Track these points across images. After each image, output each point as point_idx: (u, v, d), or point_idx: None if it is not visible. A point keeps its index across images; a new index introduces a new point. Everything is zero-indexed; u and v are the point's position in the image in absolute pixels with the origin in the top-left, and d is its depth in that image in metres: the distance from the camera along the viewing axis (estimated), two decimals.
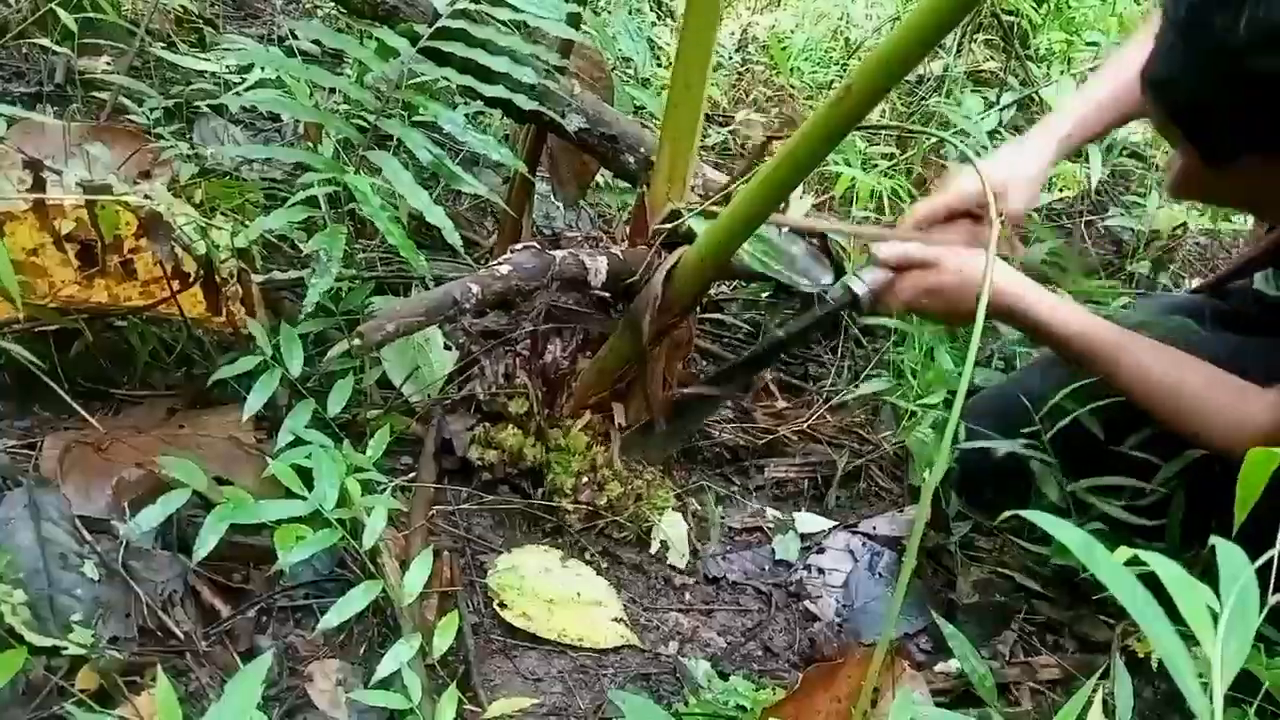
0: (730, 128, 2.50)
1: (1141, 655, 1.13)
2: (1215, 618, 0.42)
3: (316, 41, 1.85)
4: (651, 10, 2.95)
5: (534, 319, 1.30)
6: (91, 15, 1.80)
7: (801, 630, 1.25)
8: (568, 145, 1.50)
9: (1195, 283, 1.84)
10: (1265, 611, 0.44)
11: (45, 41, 1.76)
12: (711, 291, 1.61)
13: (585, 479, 1.30)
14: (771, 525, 1.42)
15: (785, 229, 1.34)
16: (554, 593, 1.20)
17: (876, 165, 2.09)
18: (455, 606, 1.09)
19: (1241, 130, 0.92)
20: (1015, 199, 1.24)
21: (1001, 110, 2.09)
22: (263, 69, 1.79)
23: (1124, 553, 0.46)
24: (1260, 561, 0.46)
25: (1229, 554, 0.45)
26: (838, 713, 0.91)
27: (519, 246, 1.20)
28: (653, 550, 1.31)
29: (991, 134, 1.97)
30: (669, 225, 1.27)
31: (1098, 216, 2.31)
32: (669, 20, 2.94)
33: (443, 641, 1.00)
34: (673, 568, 1.31)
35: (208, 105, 1.80)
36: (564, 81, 1.38)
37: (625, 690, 1.10)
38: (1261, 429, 1.02)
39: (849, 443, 1.59)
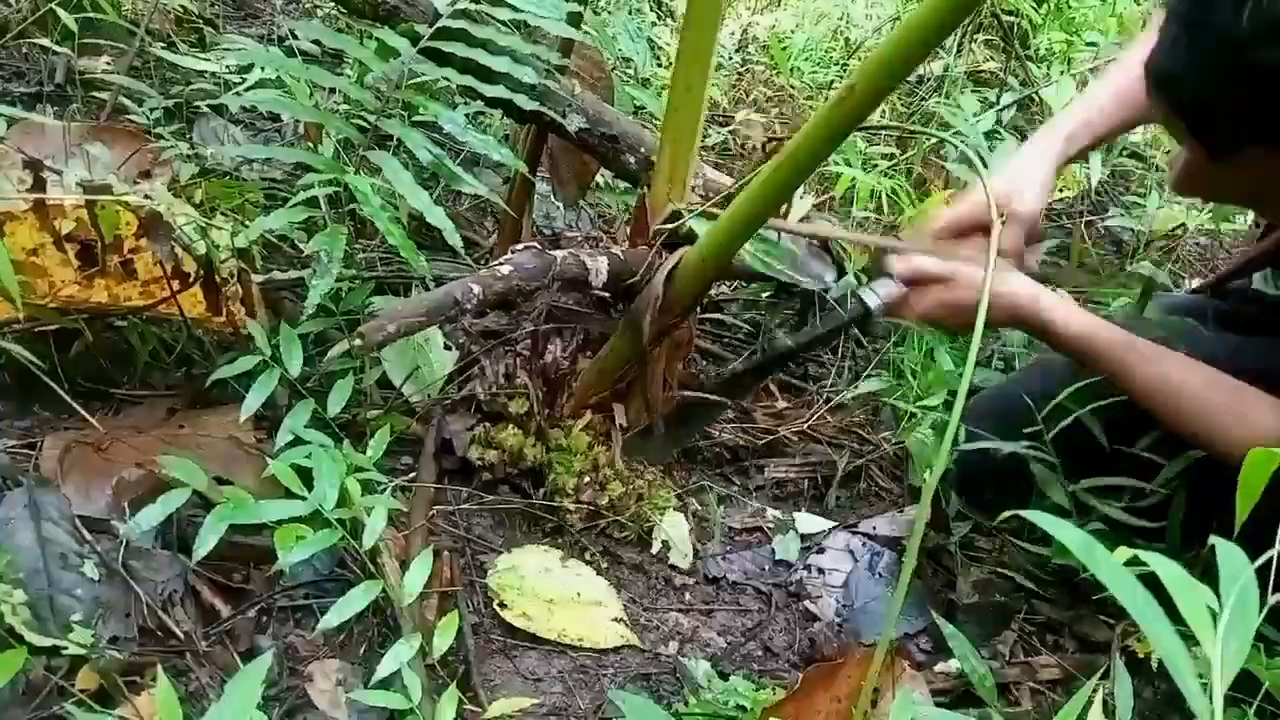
0: (730, 128, 2.50)
1: (1141, 655, 1.13)
2: (1215, 618, 0.43)
3: (316, 41, 1.85)
4: (651, 10, 2.95)
5: (534, 319, 1.30)
6: (91, 15, 1.80)
7: (801, 630, 1.25)
8: (568, 145, 1.50)
9: (1195, 283, 1.84)
10: (1265, 611, 0.44)
11: (45, 41, 1.76)
12: (712, 292, 1.61)
13: (587, 479, 1.30)
14: (772, 525, 1.42)
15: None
16: (554, 593, 1.20)
17: (876, 165, 2.09)
18: (455, 606, 1.09)
19: (1244, 122, 0.92)
20: (1026, 202, 1.24)
21: (1001, 110, 2.09)
22: (263, 69, 1.79)
23: (1124, 553, 0.46)
24: (1260, 561, 0.46)
25: (1229, 554, 0.45)
26: (838, 713, 0.91)
27: (520, 247, 1.20)
28: (654, 550, 1.31)
29: (989, 134, 1.97)
30: (670, 226, 1.27)
31: (1098, 216, 2.31)
32: (669, 20, 2.94)
33: (443, 641, 1.00)
34: (673, 567, 1.31)
35: (208, 105, 1.80)
36: (564, 81, 1.38)
37: (625, 690, 1.10)
38: (1271, 436, 1.01)
39: (849, 443, 1.59)
